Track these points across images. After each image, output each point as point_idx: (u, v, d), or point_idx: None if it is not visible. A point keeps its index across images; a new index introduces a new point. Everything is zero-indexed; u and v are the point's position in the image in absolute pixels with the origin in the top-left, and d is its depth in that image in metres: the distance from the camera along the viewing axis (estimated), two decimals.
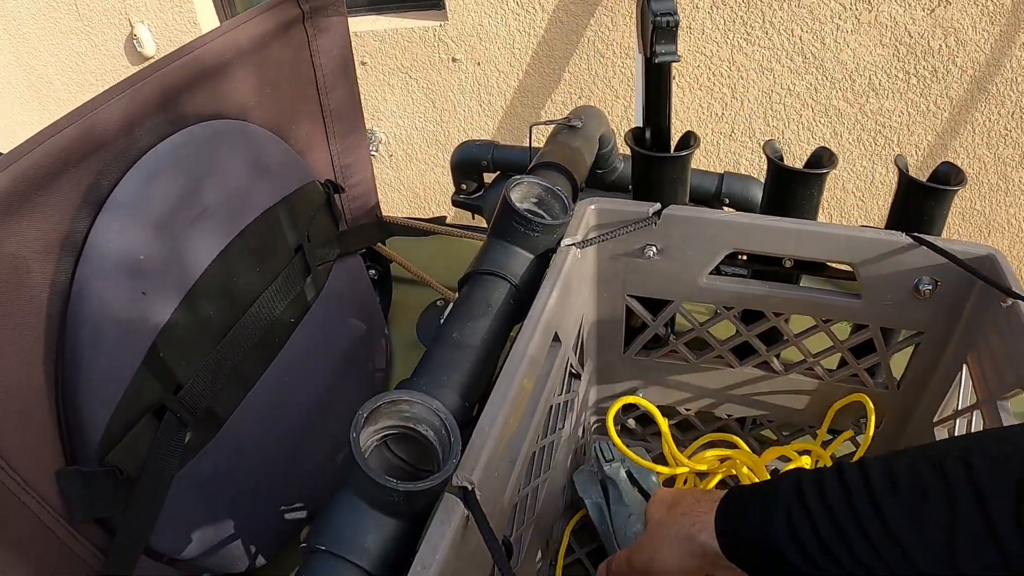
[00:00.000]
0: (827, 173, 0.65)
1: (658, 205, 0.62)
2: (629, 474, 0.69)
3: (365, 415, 0.39)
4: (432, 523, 0.38)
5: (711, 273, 0.65)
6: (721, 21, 1.84)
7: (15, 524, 0.45)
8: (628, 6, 1.83)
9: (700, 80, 1.94)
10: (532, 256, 0.59)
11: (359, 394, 0.79)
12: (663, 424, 0.66)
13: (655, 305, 0.68)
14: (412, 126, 2.26)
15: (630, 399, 0.69)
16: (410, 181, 2.41)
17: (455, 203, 1.19)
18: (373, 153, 2.28)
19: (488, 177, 1.15)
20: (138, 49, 2.36)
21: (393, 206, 2.46)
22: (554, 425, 0.62)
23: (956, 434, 0.64)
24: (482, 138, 1.20)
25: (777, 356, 0.72)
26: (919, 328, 0.64)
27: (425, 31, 2.06)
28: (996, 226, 2.10)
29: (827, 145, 2.02)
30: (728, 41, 1.86)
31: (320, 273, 0.73)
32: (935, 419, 0.66)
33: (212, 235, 0.57)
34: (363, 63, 2.13)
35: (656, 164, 0.66)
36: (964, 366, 0.62)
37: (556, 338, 0.58)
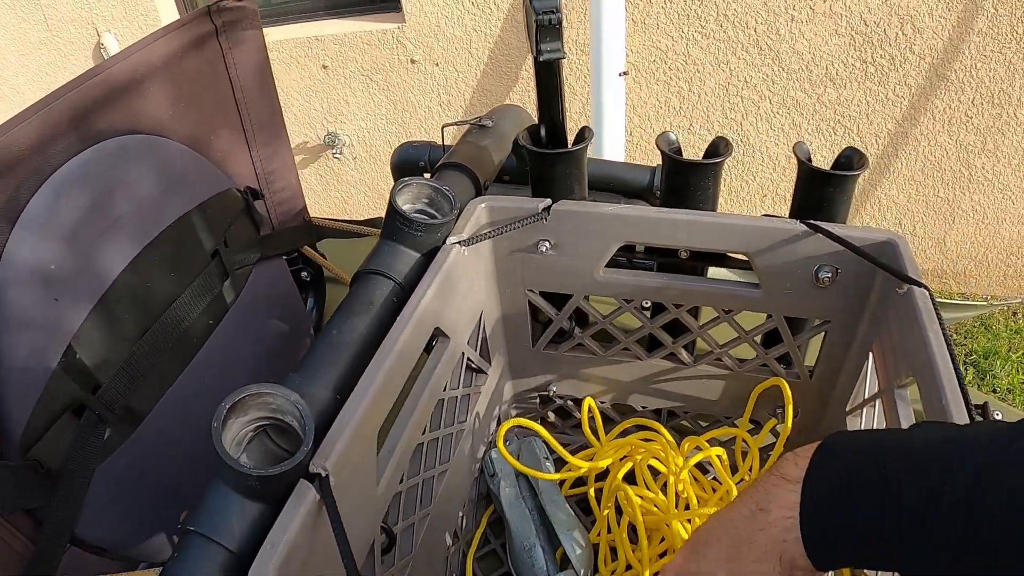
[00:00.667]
0: (721, 162, 0.66)
1: (548, 201, 0.63)
2: (526, 479, 0.71)
3: (228, 406, 0.41)
4: (285, 507, 0.39)
5: (609, 266, 0.66)
6: (675, 15, 1.85)
7: None
8: (582, 4, 1.85)
9: (656, 75, 1.95)
10: (419, 255, 0.60)
11: None
12: (543, 432, 0.68)
13: (561, 299, 0.70)
14: (374, 128, 2.27)
15: (518, 421, 0.70)
16: (374, 182, 2.42)
17: None
18: (337, 156, 2.29)
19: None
20: (105, 58, 2.37)
21: (358, 207, 2.48)
22: (449, 419, 0.63)
23: (867, 425, 0.64)
24: (429, 140, 1.21)
25: (687, 348, 0.73)
26: (823, 317, 0.65)
27: (384, 33, 2.07)
28: (960, 213, 2.12)
29: (787, 136, 2.03)
30: (683, 35, 1.87)
31: (239, 276, 0.74)
32: (847, 408, 0.67)
33: (123, 244, 0.59)
34: (324, 67, 2.14)
35: (548, 160, 0.67)
36: (870, 354, 0.63)
37: (442, 333, 0.59)
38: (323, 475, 0.41)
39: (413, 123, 2.20)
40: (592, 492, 0.72)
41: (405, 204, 0.59)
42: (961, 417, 0.44)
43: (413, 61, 2.08)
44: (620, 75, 1.76)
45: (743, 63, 1.90)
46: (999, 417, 0.52)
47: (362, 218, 1.04)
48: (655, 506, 0.65)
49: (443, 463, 0.63)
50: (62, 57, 2.51)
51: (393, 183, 1.25)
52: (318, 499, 0.41)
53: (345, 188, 2.39)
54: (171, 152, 0.66)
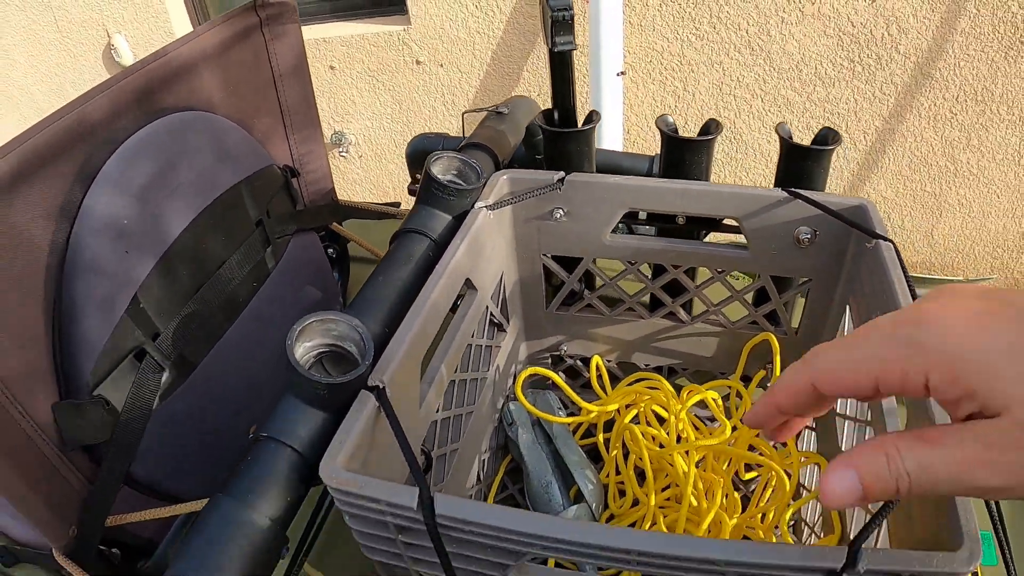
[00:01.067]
0: (712, 139, 0.76)
1: (562, 173, 0.73)
2: (541, 429, 0.79)
3: (299, 329, 0.49)
4: (350, 411, 0.48)
5: (614, 232, 0.75)
6: (671, 17, 1.96)
7: (16, 450, 0.55)
8: (581, 6, 1.95)
9: (653, 75, 2.05)
10: (450, 217, 0.69)
11: None
12: (556, 379, 0.77)
13: (572, 264, 0.79)
14: (380, 127, 2.37)
15: (535, 369, 0.79)
16: (379, 180, 2.51)
17: (410, 192, 1.29)
18: (343, 154, 2.38)
19: None
20: (116, 59, 2.46)
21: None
22: (475, 366, 0.72)
23: None
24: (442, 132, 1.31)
25: (685, 307, 0.82)
26: (805, 275, 0.74)
27: (390, 35, 2.17)
28: (947, 207, 2.23)
29: (777, 135, 2.13)
30: (678, 37, 1.98)
31: (279, 245, 0.84)
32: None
33: (183, 207, 0.68)
34: (332, 68, 2.24)
35: (562, 139, 0.76)
36: (847, 309, 0.72)
37: (471, 285, 0.68)
38: (380, 387, 0.50)
39: (418, 122, 2.30)
40: (601, 440, 0.81)
41: (439, 172, 0.68)
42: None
43: (418, 62, 2.18)
44: (618, 75, 1.86)
45: (736, 63, 2.01)
46: None
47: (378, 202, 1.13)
48: (659, 445, 0.74)
49: (469, 405, 0.72)
50: (72, 59, 2.61)
51: (408, 174, 1.35)
52: (376, 407, 0.49)
53: (351, 185, 2.48)
54: (223, 128, 0.75)
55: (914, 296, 0.61)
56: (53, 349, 0.58)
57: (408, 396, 0.56)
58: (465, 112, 0.92)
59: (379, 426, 0.50)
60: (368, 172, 2.52)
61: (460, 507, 0.41)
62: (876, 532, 0.38)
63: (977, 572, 0.72)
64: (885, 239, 0.64)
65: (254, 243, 0.78)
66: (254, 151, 0.80)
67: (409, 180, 1.31)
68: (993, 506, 0.49)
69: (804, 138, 0.78)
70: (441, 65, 2.17)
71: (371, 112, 2.33)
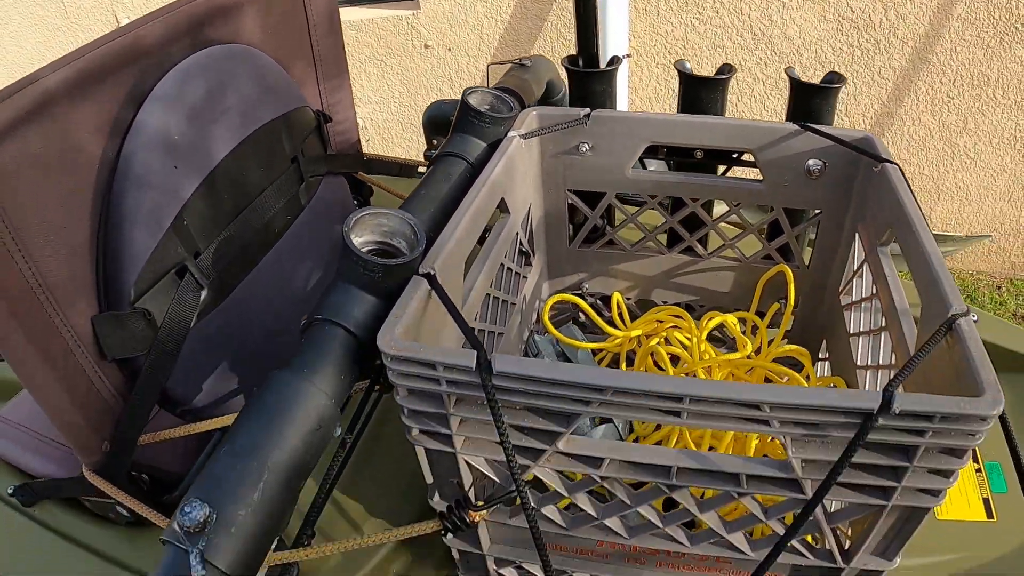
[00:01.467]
0: (728, 79, 0.81)
1: (588, 109, 0.78)
2: (565, 359, 0.84)
3: (354, 220, 0.54)
4: (405, 291, 0.53)
5: (635, 167, 0.81)
6: (675, 2, 2.02)
7: (56, 359, 0.57)
8: None
9: (657, 59, 2.12)
10: (485, 144, 0.74)
11: None
12: (582, 303, 0.82)
13: (593, 203, 0.84)
14: (388, 111, 2.43)
15: (561, 296, 0.84)
16: None
17: (426, 158, 1.35)
18: None
19: None
20: None
21: None
22: (507, 287, 0.77)
23: (856, 298, 0.78)
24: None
25: (702, 242, 0.87)
26: (816, 207, 0.80)
27: (399, 20, 2.23)
28: (944, 190, 2.29)
29: (779, 116, 2.20)
30: (682, 21, 2.04)
31: (312, 183, 0.89)
32: (840, 288, 0.82)
33: (227, 133, 0.72)
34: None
35: (588, 79, 0.82)
36: (856, 236, 0.78)
37: (505, 207, 0.73)
38: (432, 273, 0.55)
39: (425, 106, 2.35)
40: (624, 368, 0.86)
41: (475, 103, 0.74)
42: (938, 259, 0.57)
43: (427, 46, 2.24)
44: (624, 58, 1.92)
45: (738, 47, 2.07)
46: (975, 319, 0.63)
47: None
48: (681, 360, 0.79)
49: (501, 326, 0.77)
50: (80, 43, 2.65)
51: (425, 139, 1.40)
52: (428, 290, 0.54)
53: None
54: (266, 64, 0.80)
55: (922, 213, 0.66)
56: (97, 261, 0.61)
57: (453, 290, 0.61)
58: (490, 64, 0.98)
59: (429, 309, 0.55)
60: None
61: (519, 364, 0.45)
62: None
63: (990, 499, 0.78)
64: (892, 162, 0.70)
65: (290, 178, 0.83)
66: (292, 89, 0.85)
67: (425, 147, 1.36)
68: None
69: None
70: (449, 49, 2.23)
71: (379, 96, 2.39)
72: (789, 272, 0.83)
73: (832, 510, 0.51)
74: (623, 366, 0.86)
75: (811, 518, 0.45)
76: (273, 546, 0.59)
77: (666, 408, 0.43)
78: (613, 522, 0.54)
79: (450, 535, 0.61)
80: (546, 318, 0.81)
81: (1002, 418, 0.44)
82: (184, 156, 0.67)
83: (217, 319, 0.72)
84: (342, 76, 0.98)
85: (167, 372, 0.66)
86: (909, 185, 0.68)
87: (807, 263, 0.85)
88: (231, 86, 0.73)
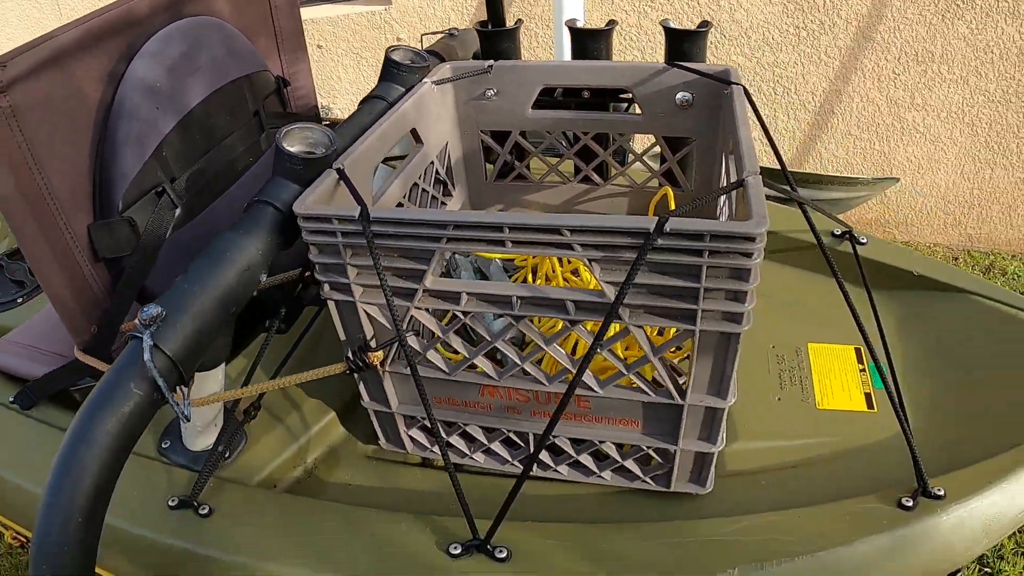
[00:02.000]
0: (611, 30, 1.00)
1: (492, 61, 0.96)
2: (482, 275, 1.02)
3: (286, 130, 0.72)
4: (318, 179, 0.71)
5: (534, 107, 0.99)
6: None
7: (58, 255, 0.76)
8: None
9: (613, 46, 2.31)
10: (404, 89, 0.92)
11: None
12: None
13: (504, 142, 1.02)
14: None
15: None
16: None
17: None
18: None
19: None
20: None
21: None
22: (424, 205, 0.95)
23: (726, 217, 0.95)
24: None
25: (599, 172, 1.05)
26: (689, 135, 0.97)
27: (372, 15, 2.43)
28: (896, 164, 2.46)
29: None
30: (635, 8, 2.23)
31: (271, 134, 1.07)
32: (718, 208, 0.99)
33: (200, 84, 0.92)
34: (319, 47, 2.50)
35: (494, 37, 1.00)
36: (724, 158, 0.95)
37: (418, 138, 0.91)
38: (341, 167, 0.72)
39: None
40: (531, 279, 1.04)
41: (397, 58, 0.92)
42: (748, 145, 0.74)
43: (399, 40, 2.44)
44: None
45: None
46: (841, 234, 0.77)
47: None
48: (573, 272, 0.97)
49: None
50: None
51: None
52: (337, 180, 0.72)
53: None
54: (233, 33, 0.99)
55: (763, 125, 0.84)
56: (94, 181, 0.81)
57: (361, 187, 0.79)
58: (424, 34, 1.16)
59: (339, 199, 0.73)
60: None
61: (390, 212, 0.63)
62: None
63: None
64: (739, 84, 0.87)
65: (252, 127, 1.02)
66: (255, 57, 1.04)
67: None
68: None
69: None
70: (420, 43, 2.44)
71: (356, 88, 2.59)
72: (671, 194, 1.01)
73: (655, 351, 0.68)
74: (530, 279, 1.04)
75: (650, 358, 0.62)
76: (222, 380, 0.77)
77: (492, 238, 0.61)
78: (482, 361, 0.71)
79: (367, 399, 0.78)
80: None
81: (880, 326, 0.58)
82: (164, 100, 0.86)
83: (188, 232, 0.91)
84: (301, 51, 1.17)
85: (146, 272, 0.85)
86: (753, 104, 0.86)
87: (691, 186, 1.02)
88: (203, 48, 0.92)
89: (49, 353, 1.05)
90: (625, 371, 0.67)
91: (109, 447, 0.55)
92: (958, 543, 0.72)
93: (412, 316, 0.69)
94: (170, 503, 0.78)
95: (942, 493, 0.73)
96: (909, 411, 0.88)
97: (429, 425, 0.74)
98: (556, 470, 0.79)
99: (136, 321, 0.58)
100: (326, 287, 0.70)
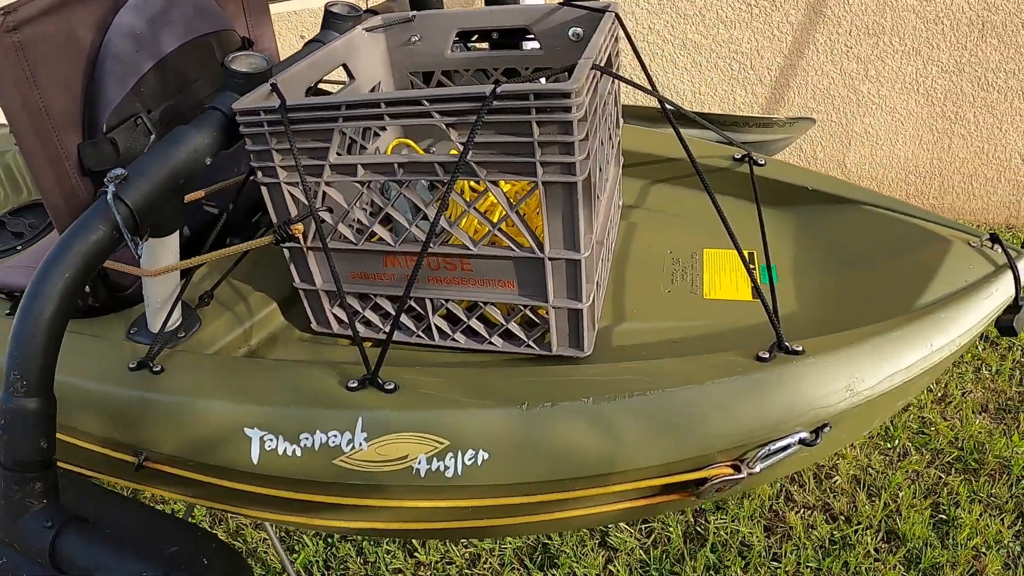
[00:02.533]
0: None
1: (414, 12, 1.17)
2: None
3: (232, 56, 0.93)
4: (258, 88, 0.91)
5: (453, 51, 1.19)
6: None
7: (53, 165, 0.98)
8: None
9: None
10: (340, 34, 1.14)
11: None
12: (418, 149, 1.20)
13: (429, 82, 1.23)
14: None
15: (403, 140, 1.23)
16: None
17: None
18: None
19: None
20: None
21: None
22: (362, 135, 1.16)
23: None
24: None
25: None
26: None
27: None
28: (855, 136, 2.64)
29: (689, 74, 2.57)
30: None
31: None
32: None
33: (174, 35, 1.13)
34: (302, 37, 2.74)
35: None
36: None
37: (350, 74, 1.12)
38: (275, 82, 0.93)
39: None
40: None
41: (335, 9, 1.14)
42: (591, 52, 0.94)
43: None
44: None
45: (645, 12, 2.47)
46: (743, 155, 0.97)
47: None
48: None
49: None
50: None
51: None
52: (269, 90, 0.93)
53: None
54: None
55: (633, 47, 1.03)
56: (83, 106, 1.03)
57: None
58: None
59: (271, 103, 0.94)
60: None
61: (300, 101, 0.84)
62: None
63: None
64: (613, 11, 1.07)
65: (218, 78, 1.24)
66: (222, 18, 1.26)
67: None
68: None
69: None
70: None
71: (335, 74, 2.83)
72: None
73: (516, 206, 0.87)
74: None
75: (508, 212, 0.81)
76: (177, 255, 0.97)
77: (373, 113, 0.81)
78: (380, 230, 0.91)
79: (298, 280, 0.98)
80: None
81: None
82: (143, 45, 1.08)
83: None
84: (264, 15, 1.39)
85: None
86: (624, 26, 1.06)
87: None
88: (177, 6, 1.14)
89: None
90: (492, 226, 0.86)
91: (74, 274, 0.75)
92: (814, 394, 0.83)
93: (325, 193, 0.89)
94: (130, 366, 0.97)
95: (800, 349, 0.85)
96: (784, 300, 1.04)
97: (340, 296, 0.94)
98: (454, 338, 0.98)
99: (104, 184, 0.79)
100: (259, 174, 0.91)
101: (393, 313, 0.98)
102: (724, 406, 0.83)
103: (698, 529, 1.81)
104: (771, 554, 1.75)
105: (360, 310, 0.99)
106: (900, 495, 1.86)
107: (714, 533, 1.78)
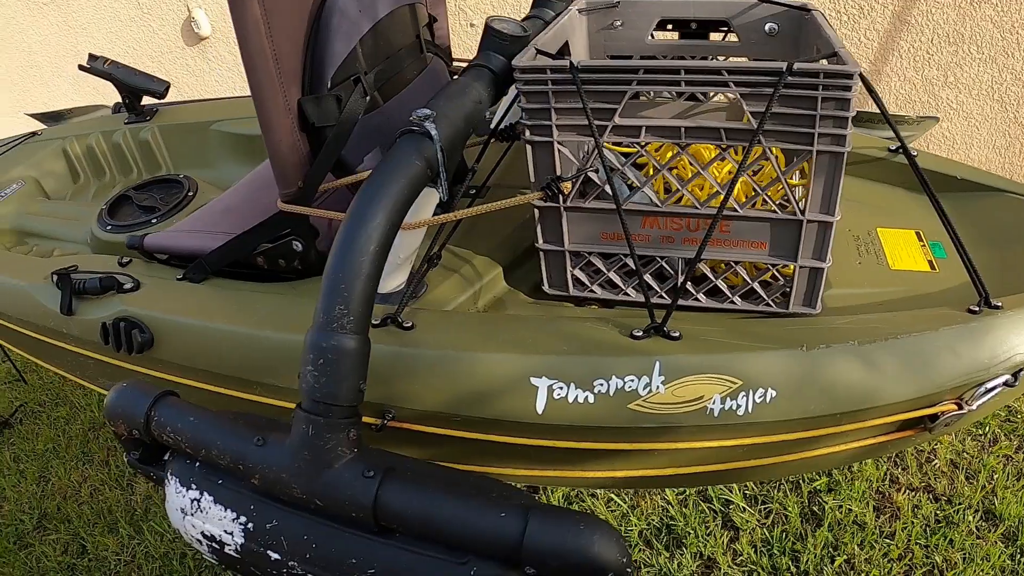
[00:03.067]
0: None
1: (616, 0, 1.30)
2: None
3: (493, 18, 1.05)
4: (520, 52, 1.03)
5: (651, 39, 1.32)
6: None
7: (280, 118, 1.06)
8: None
9: None
10: (552, 12, 1.26)
11: None
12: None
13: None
14: None
15: None
16: None
17: None
18: None
19: None
20: (195, 31, 3.11)
21: None
22: None
23: None
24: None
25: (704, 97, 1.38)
26: (775, 58, 1.30)
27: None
28: (933, 141, 2.79)
29: None
30: None
31: (428, 57, 1.41)
32: None
33: (384, 4, 1.24)
34: (471, 24, 2.88)
35: None
36: None
37: (561, 51, 1.24)
38: (540, 47, 1.05)
39: None
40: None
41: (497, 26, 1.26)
42: (839, 41, 1.07)
43: (472, 25, 2.81)
44: None
45: None
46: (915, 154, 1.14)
47: None
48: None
49: None
50: (150, 34, 3.25)
51: None
52: (535, 53, 1.05)
53: None
54: None
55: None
56: (304, 61, 1.11)
57: None
58: None
59: None
60: None
61: (594, 62, 0.96)
62: None
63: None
64: (816, 10, 1.21)
65: (415, 46, 1.36)
66: None
67: None
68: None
69: None
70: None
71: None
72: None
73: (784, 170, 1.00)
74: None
75: (781, 178, 0.93)
76: (431, 212, 1.09)
77: (671, 79, 0.93)
78: (649, 191, 1.03)
79: (542, 241, 1.10)
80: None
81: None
82: (364, 5, 1.19)
83: (375, 119, 1.24)
84: (442, 4, 1.52)
85: (342, 144, 1.16)
86: (829, 23, 1.19)
87: None
88: None
89: (219, 232, 1.36)
90: (760, 190, 0.99)
91: (393, 208, 0.79)
92: (1016, 341, 1.00)
93: (593, 155, 1.01)
94: (373, 322, 1.04)
95: (1000, 304, 1.02)
96: (955, 272, 1.19)
97: (597, 254, 1.06)
98: (697, 297, 1.09)
99: (411, 119, 0.88)
100: (527, 132, 1.02)
101: (636, 271, 1.10)
102: (953, 349, 0.98)
103: (813, 509, 1.93)
104: (882, 532, 1.87)
105: (605, 270, 1.11)
106: (995, 477, 1.99)
107: (829, 513, 1.90)
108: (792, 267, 1.03)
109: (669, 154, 1.20)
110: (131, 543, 2.02)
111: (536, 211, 1.06)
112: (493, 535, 0.67)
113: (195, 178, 1.91)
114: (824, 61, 0.94)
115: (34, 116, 2.51)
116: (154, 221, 1.75)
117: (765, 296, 1.07)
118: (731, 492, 1.94)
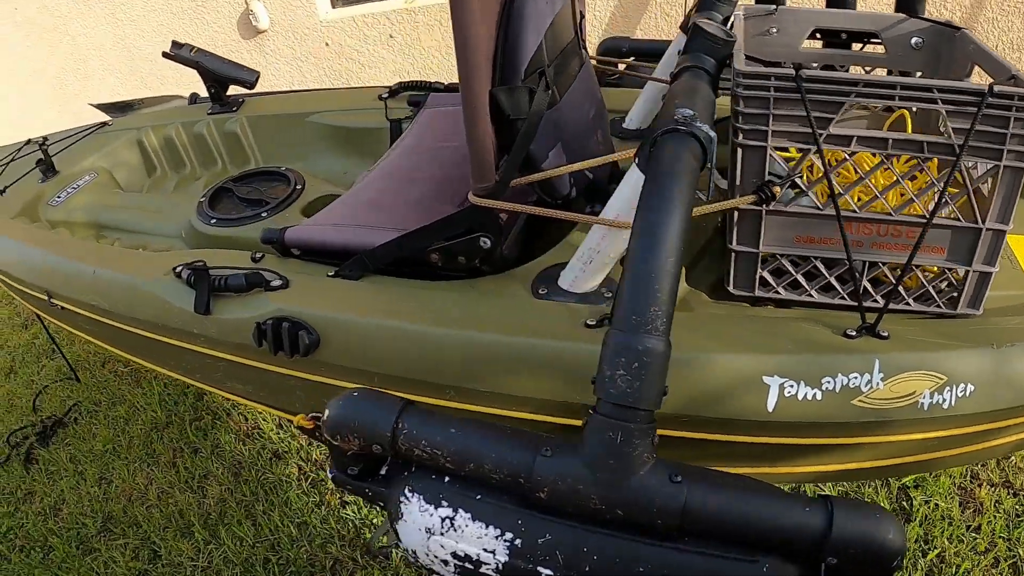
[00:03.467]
0: None
1: (775, 6, 1.38)
2: None
3: (699, 20, 1.12)
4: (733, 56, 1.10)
5: (803, 47, 1.40)
6: None
7: (480, 107, 1.06)
8: None
9: None
10: (720, 15, 1.33)
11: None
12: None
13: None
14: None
15: None
16: None
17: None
18: None
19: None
20: (253, 24, 3.13)
21: None
22: None
23: None
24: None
25: None
26: (918, 69, 1.39)
27: None
28: None
29: None
30: None
31: (583, 56, 1.46)
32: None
33: (550, 7, 1.27)
34: (391, 36, 2.95)
35: None
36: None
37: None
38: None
39: None
40: None
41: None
42: (1010, 64, 1.15)
43: None
44: None
45: None
46: None
47: None
48: None
49: None
50: (203, 26, 3.26)
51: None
52: (747, 59, 1.12)
53: None
54: None
55: None
56: (495, 51, 1.12)
57: None
58: None
59: None
60: None
61: (816, 72, 1.03)
62: None
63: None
64: (966, 28, 1.29)
65: (576, 45, 1.41)
66: None
67: None
68: None
69: None
70: None
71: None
72: (907, 114, 1.42)
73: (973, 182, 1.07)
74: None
75: (965, 188, 1.01)
76: None
77: (887, 94, 1.00)
78: (850, 199, 1.10)
79: (735, 242, 1.16)
80: None
81: None
82: (543, 12, 1.22)
83: (554, 115, 1.27)
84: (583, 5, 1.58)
85: (531, 138, 1.18)
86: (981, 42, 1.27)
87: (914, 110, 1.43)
88: None
89: (372, 227, 1.36)
90: (949, 200, 1.07)
91: (686, 207, 0.78)
92: None
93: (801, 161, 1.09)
94: (588, 323, 1.09)
95: None
96: None
97: (788, 260, 1.13)
98: (876, 298, 1.16)
99: (675, 117, 0.89)
100: (740, 136, 1.08)
101: (827, 276, 1.17)
102: None
103: (903, 504, 2.02)
104: (968, 527, 1.97)
105: (793, 272, 1.18)
106: None
107: (918, 508, 2.00)
108: (963, 271, 1.11)
109: (834, 162, 1.28)
110: (207, 548, 1.95)
111: (735, 214, 1.12)
112: (799, 527, 0.70)
113: (296, 171, 1.89)
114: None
115: (99, 107, 2.44)
116: (264, 215, 1.71)
117: (937, 298, 1.15)
118: (823, 488, 2.03)
